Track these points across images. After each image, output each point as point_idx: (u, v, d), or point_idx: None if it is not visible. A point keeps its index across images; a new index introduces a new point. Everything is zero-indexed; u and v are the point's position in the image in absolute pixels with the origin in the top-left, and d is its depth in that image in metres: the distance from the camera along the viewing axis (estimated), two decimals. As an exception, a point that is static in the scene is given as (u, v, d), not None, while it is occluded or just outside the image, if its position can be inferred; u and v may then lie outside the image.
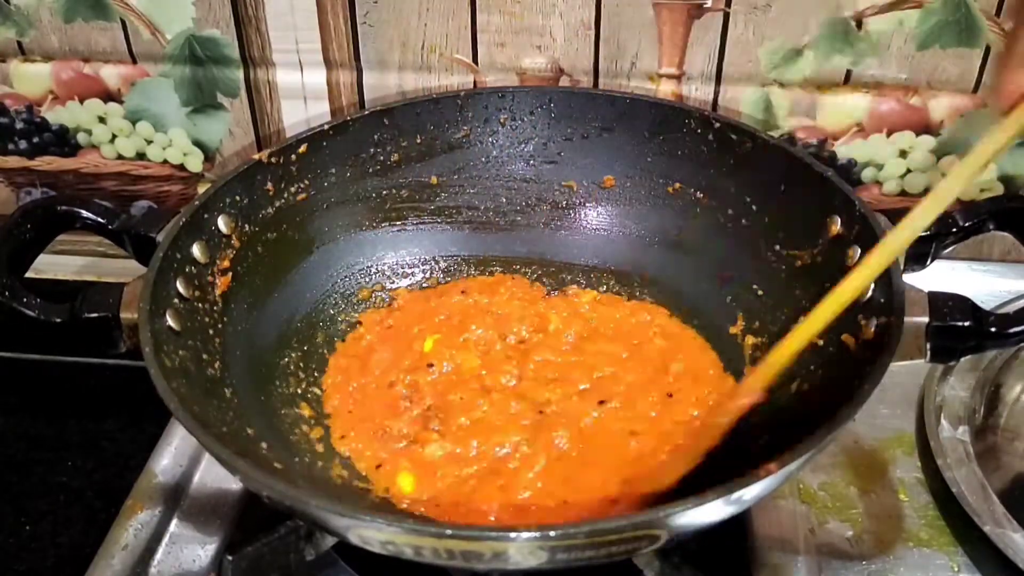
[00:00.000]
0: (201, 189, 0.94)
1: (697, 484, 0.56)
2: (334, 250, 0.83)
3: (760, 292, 0.78)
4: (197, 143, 0.95)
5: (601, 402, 0.73)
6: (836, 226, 0.72)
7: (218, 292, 0.72)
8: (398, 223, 0.86)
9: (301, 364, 0.78)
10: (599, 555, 0.53)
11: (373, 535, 0.53)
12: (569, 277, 0.86)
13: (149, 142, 0.96)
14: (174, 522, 0.72)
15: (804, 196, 0.74)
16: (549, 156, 0.87)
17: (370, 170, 0.84)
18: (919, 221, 0.60)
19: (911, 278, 0.65)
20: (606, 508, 0.66)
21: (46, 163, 0.98)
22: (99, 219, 0.72)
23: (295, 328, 0.79)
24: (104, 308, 0.65)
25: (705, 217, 0.82)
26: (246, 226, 0.76)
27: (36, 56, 0.92)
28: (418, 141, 0.84)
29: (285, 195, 0.79)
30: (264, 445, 0.66)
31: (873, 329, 0.64)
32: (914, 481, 0.74)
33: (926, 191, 0.87)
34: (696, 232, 0.83)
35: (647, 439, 0.71)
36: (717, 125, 0.80)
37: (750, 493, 0.53)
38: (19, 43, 0.91)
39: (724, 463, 0.65)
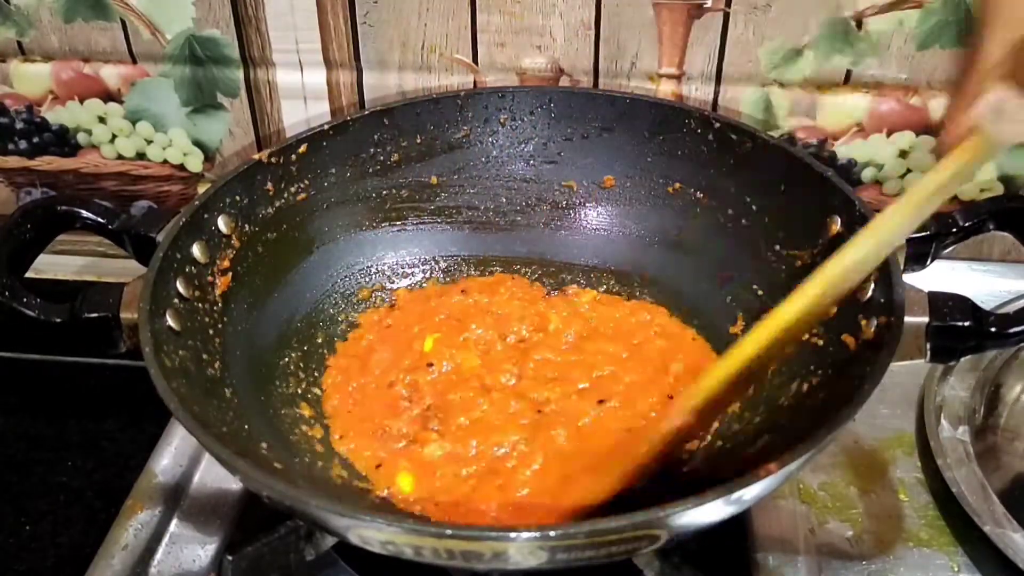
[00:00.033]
0: (201, 189, 0.94)
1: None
2: (334, 250, 0.83)
3: (760, 292, 0.77)
4: (197, 143, 0.95)
5: (600, 401, 0.73)
6: (836, 226, 0.72)
7: (218, 292, 0.72)
8: (398, 223, 0.86)
9: (301, 364, 0.78)
10: (599, 555, 0.53)
11: (373, 535, 0.53)
12: (569, 277, 0.86)
13: (149, 142, 0.96)
14: (174, 522, 0.72)
15: (804, 196, 0.74)
16: (549, 156, 0.87)
17: (370, 170, 0.84)
18: (852, 258, 0.59)
19: (911, 278, 0.65)
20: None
21: (46, 163, 0.98)
22: (99, 219, 0.72)
23: (295, 328, 0.79)
24: (104, 308, 0.65)
25: (705, 217, 0.82)
26: (246, 226, 0.76)
27: (36, 56, 0.92)
28: (418, 141, 0.84)
29: (285, 195, 0.79)
30: (264, 445, 0.66)
31: (873, 329, 0.64)
32: (914, 481, 0.74)
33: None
34: (696, 232, 0.82)
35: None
36: (717, 125, 0.80)
37: (750, 493, 0.53)
38: (19, 43, 0.91)
39: (722, 464, 0.65)
